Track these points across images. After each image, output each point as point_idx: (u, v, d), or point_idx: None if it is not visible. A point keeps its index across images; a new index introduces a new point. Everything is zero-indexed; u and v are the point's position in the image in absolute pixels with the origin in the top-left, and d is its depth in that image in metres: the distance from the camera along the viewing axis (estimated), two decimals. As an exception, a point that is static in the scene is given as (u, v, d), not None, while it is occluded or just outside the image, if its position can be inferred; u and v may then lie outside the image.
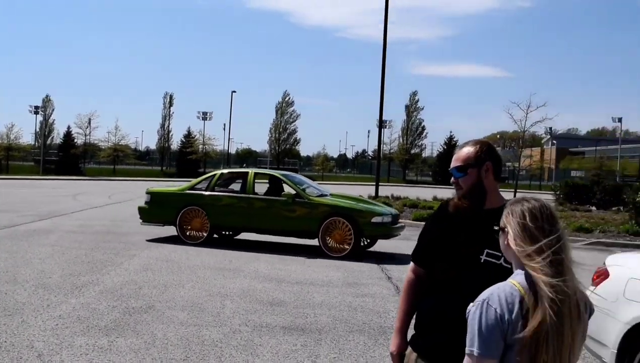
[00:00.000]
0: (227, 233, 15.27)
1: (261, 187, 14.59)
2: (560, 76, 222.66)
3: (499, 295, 2.22)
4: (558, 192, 33.21)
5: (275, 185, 14.42)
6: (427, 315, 2.91)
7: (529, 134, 54.33)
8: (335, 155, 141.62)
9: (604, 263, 5.84)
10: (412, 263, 3.10)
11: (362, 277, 10.84)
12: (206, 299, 8.55)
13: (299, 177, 15.77)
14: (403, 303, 3.08)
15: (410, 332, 3.00)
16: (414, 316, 3.03)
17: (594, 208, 30.05)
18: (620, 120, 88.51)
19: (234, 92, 76.02)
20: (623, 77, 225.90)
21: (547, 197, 33.61)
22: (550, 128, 75.75)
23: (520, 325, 2.16)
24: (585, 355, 6.37)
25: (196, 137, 77.99)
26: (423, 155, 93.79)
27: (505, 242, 2.36)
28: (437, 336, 2.79)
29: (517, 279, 2.27)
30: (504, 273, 2.39)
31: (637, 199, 22.08)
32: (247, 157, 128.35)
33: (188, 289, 9.14)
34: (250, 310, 8.05)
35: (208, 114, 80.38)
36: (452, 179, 2.98)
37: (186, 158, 74.67)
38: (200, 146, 75.83)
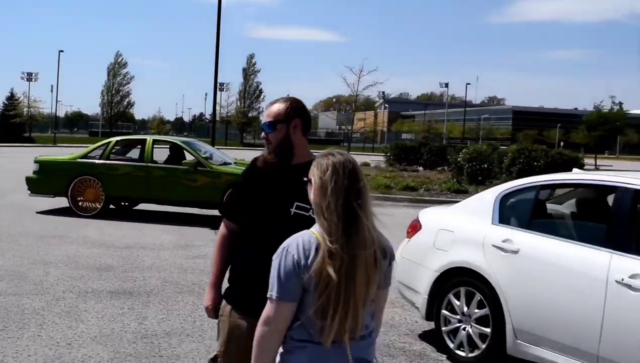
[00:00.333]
0: (124, 204, 14.40)
1: (161, 155, 13.92)
2: (392, 43, 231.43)
3: (298, 243, 2.33)
4: (388, 154, 34.64)
5: (175, 153, 13.71)
6: (237, 268, 2.99)
7: (362, 98, 56.20)
8: (172, 119, 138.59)
9: (417, 217, 6.23)
10: (224, 219, 3.15)
11: (195, 239, 10.81)
12: (28, 267, 8.16)
13: (202, 144, 15.24)
14: (216, 258, 3.13)
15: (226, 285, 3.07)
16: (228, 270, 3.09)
17: (421, 168, 31.71)
18: (447, 85, 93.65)
19: (62, 51, 72.08)
20: (451, 45, 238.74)
21: (378, 159, 35.09)
22: (383, 92, 79.07)
23: None
24: (404, 304, 6.80)
25: (20, 100, 72.98)
26: (261, 118, 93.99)
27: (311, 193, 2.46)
28: (246, 289, 2.87)
29: (317, 228, 2.38)
30: (313, 224, 2.48)
31: (459, 159, 23.66)
32: (78, 120, 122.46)
33: (8, 258, 8.67)
34: (76, 277, 7.79)
35: (33, 75, 75.31)
36: (263, 134, 3.05)
37: (9, 122, 69.65)
38: (25, 109, 71.12)
